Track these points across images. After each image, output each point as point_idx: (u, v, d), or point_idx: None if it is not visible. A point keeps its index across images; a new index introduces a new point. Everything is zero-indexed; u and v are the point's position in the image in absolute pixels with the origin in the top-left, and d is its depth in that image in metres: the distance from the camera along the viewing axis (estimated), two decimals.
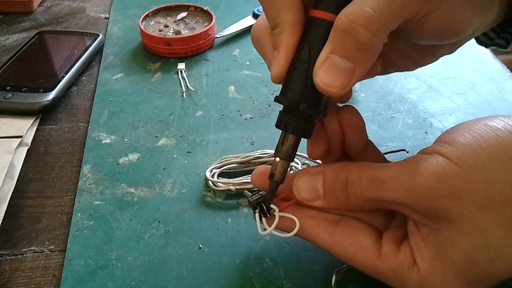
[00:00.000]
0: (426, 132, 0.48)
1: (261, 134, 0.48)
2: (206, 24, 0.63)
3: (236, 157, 0.44)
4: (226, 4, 0.72)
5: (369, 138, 0.34)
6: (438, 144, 0.29)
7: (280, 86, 0.30)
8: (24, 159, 0.44)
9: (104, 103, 0.52)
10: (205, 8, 0.65)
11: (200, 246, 0.37)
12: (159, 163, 0.45)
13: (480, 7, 0.29)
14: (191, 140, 0.47)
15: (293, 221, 0.32)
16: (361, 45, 0.26)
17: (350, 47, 0.26)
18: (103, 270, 0.35)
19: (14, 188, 0.40)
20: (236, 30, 0.64)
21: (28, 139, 0.46)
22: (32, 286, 0.35)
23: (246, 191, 0.40)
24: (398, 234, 0.31)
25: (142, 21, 0.62)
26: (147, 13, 0.64)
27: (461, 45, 0.33)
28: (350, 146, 0.33)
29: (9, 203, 0.39)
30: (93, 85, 0.55)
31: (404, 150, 0.38)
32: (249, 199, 0.34)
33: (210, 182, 0.42)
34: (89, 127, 0.49)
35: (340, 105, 0.33)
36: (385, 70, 0.35)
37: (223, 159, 0.44)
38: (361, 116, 0.33)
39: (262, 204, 0.33)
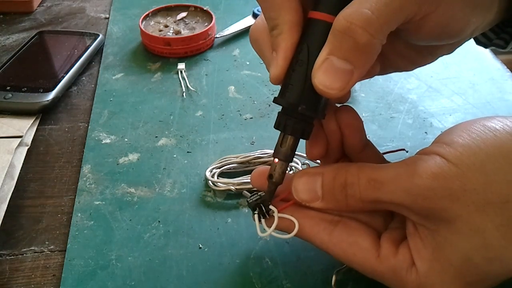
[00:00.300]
0: (426, 132, 0.48)
1: (261, 134, 0.48)
2: (206, 24, 0.63)
3: (236, 157, 0.44)
4: (226, 4, 0.72)
5: (369, 138, 0.34)
6: (437, 144, 0.29)
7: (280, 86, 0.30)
8: (24, 159, 0.44)
9: (104, 103, 0.52)
10: (205, 8, 0.65)
11: (200, 246, 0.37)
12: (159, 163, 0.45)
13: (479, 7, 0.29)
14: (191, 140, 0.47)
15: (292, 222, 0.32)
16: (359, 46, 0.26)
17: (348, 49, 0.26)
18: (103, 270, 0.35)
19: (14, 188, 0.40)
20: (236, 30, 0.64)
21: (28, 139, 0.46)
22: (32, 286, 0.35)
23: (245, 191, 0.40)
24: (397, 235, 0.31)
25: (142, 21, 0.62)
26: (147, 13, 0.64)
27: (460, 45, 0.33)
28: (349, 147, 0.33)
29: (9, 203, 0.39)
30: (93, 85, 0.55)
31: (403, 149, 0.38)
32: (248, 200, 0.34)
33: (210, 182, 0.42)
34: (89, 127, 0.49)
35: (338, 105, 0.33)
36: (384, 71, 0.35)
37: (223, 159, 0.44)
38: (359, 117, 0.33)
39: (261, 205, 0.33)
